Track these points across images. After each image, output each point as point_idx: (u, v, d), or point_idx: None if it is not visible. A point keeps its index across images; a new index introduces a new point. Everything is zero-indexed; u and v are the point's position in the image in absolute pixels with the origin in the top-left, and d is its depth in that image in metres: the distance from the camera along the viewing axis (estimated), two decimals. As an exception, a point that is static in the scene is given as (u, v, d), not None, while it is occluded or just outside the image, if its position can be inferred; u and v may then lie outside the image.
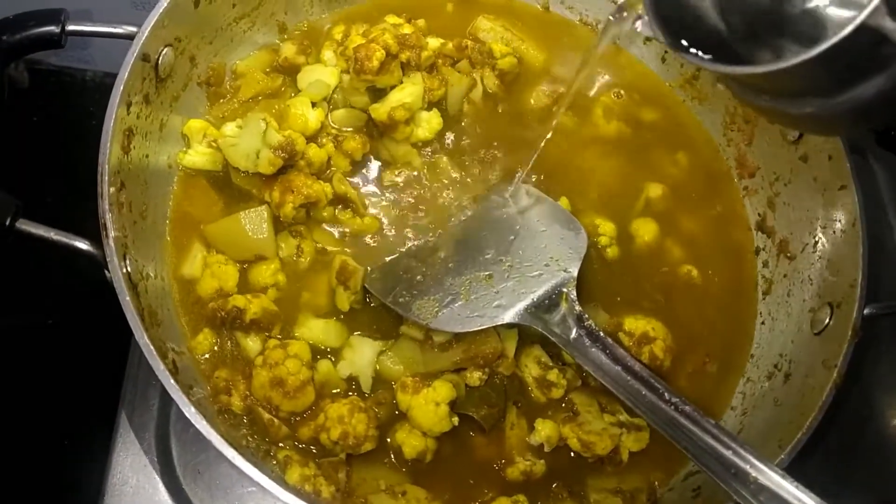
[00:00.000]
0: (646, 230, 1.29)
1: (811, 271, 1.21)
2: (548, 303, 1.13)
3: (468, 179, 1.28)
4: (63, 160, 1.50)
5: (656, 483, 1.14)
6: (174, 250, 1.19)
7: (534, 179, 1.29)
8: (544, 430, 1.11)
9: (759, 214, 1.33)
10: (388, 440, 1.11)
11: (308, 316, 1.17)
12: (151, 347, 0.97)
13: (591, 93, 1.39)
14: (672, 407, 0.99)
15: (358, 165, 1.27)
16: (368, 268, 1.18)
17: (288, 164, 1.19)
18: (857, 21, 0.65)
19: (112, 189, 1.05)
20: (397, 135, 1.25)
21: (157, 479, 1.18)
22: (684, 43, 0.81)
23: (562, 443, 1.12)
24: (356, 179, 1.27)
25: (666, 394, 1.00)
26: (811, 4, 0.81)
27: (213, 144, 1.23)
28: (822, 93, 0.75)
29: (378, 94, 1.27)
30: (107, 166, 1.05)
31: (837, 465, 1.23)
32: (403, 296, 1.15)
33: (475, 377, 1.12)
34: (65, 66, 1.63)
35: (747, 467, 0.91)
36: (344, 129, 1.27)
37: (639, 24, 0.92)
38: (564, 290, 1.14)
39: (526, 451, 1.12)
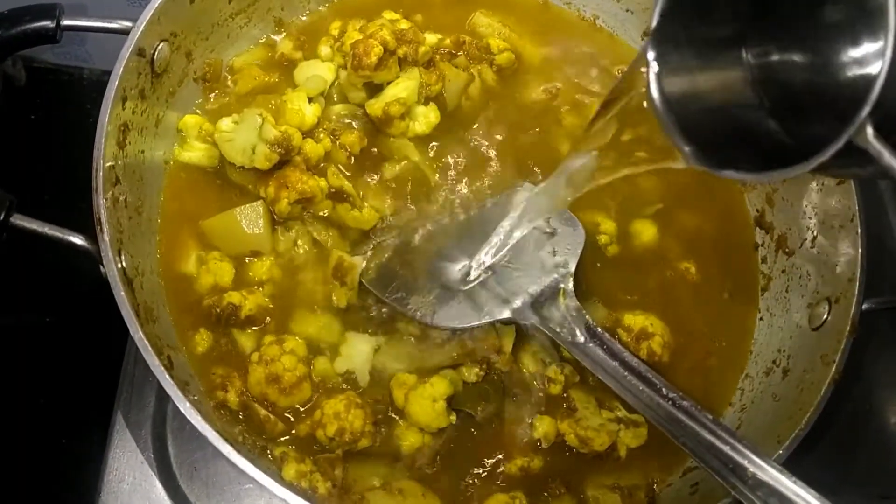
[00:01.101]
0: (646, 229, 1.28)
1: (809, 267, 1.21)
2: (545, 298, 1.13)
3: (465, 174, 1.28)
4: (60, 158, 1.49)
5: (654, 479, 1.13)
6: (170, 246, 1.18)
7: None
8: (542, 426, 1.11)
9: (757, 210, 1.32)
10: (386, 436, 1.10)
11: (304, 312, 1.16)
12: (147, 343, 0.96)
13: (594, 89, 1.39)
14: (670, 403, 0.99)
15: (356, 160, 1.26)
16: (365, 263, 1.17)
17: (284, 160, 1.18)
18: (840, 143, 0.64)
19: (107, 184, 1.05)
20: (393, 130, 1.25)
21: (154, 476, 1.17)
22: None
23: (559, 439, 1.11)
24: (354, 174, 1.26)
25: (664, 389, 1.00)
26: (852, 73, 0.78)
27: (209, 140, 1.22)
28: (840, 167, 0.74)
29: (375, 89, 1.27)
30: (102, 161, 1.04)
31: (836, 460, 1.23)
32: (400, 291, 1.14)
33: (472, 373, 1.12)
34: (62, 63, 1.63)
35: (745, 463, 0.90)
36: (341, 123, 1.27)
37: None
38: (562, 285, 1.14)
39: (523, 447, 1.12)
